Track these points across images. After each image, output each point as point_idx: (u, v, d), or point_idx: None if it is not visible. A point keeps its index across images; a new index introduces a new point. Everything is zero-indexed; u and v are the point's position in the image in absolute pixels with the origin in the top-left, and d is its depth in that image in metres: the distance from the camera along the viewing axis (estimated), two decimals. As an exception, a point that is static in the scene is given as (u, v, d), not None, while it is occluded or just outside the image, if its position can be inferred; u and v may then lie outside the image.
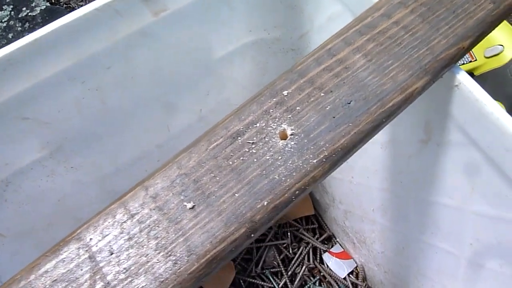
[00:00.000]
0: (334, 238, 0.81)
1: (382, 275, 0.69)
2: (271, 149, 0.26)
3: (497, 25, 0.32)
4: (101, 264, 0.24)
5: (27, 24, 1.09)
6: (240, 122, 0.27)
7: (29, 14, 1.10)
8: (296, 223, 0.81)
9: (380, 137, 0.46)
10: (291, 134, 0.26)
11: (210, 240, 0.24)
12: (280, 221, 0.80)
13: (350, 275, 0.77)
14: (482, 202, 0.37)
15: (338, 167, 0.27)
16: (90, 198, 0.57)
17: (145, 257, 0.24)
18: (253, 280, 0.75)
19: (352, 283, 0.76)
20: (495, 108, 0.30)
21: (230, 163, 0.26)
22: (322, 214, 0.82)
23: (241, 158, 0.26)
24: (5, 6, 1.11)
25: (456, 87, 0.32)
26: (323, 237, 0.81)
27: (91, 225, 0.25)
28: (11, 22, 1.09)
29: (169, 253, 0.24)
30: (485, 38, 0.71)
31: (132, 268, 0.24)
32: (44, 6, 1.11)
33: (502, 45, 0.70)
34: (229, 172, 0.26)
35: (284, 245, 0.79)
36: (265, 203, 0.25)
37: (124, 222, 0.25)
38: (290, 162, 0.26)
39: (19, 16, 1.10)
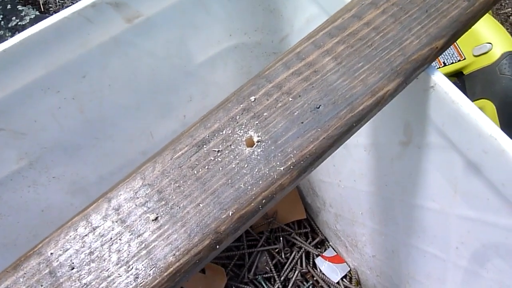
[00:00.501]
0: (326, 242, 0.80)
1: (375, 279, 0.68)
2: (237, 157, 0.25)
3: (472, 24, 0.31)
4: (61, 280, 0.23)
5: (16, 34, 1.09)
6: (206, 129, 0.26)
7: (19, 23, 1.10)
8: (288, 228, 0.80)
9: (363, 140, 0.45)
10: (258, 141, 0.26)
11: (173, 253, 0.23)
12: (272, 226, 0.79)
13: (344, 279, 0.76)
14: (464, 205, 0.36)
15: (307, 174, 0.26)
16: (75, 207, 0.56)
17: (106, 271, 0.23)
18: (246, 286, 0.74)
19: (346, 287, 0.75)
20: (471, 109, 0.29)
21: (195, 172, 0.25)
22: (314, 218, 0.81)
23: (206, 167, 0.25)
24: (-6, 16, 1.11)
25: (432, 88, 0.31)
26: (315, 241, 0.80)
27: (52, 239, 0.24)
28: (1, 32, 1.09)
29: (131, 267, 0.23)
30: (474, 36, 0.71)
31: (93, 283, 0.23)
32: (34, 15, 1.11)
33: (490, 43, 0.70)
34: (193, 181, 0.25)
35: (277, 250, 0.78)
36: (230, 213, 0.24)
37: (86, 235, 0.24)
38: (256, 170, 0.25)
39: (9, 25, 1.10)
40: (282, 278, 0.75)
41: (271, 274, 0.76)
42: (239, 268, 0.77)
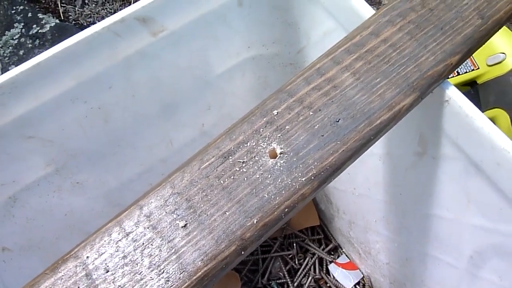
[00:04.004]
0: (340, 249, 0.81)
1: (388, 286, 0.69)
2: (261, 168, 0.27)
3: (485, 41, 0.32)
4: (97, 282, 0.25)
5: (37, 41, 1.12)
6: (231, 141, 0.28)
7: (39, 31, 1.13)
8: (302, 234, 0.81)
9: (377, 150, 0.46)
10: (281, 153, 0.27)
11: (201, 258, 0.25)
12: (286, 232, 0.80)
13: (357, 286, 0.76)
14: (478, 215, 0.37)
15: (327, 184, 0.27)
16: (97, 212, 0.58)
17: (139, 274, 0.25)
18: (259, 292, 0.75)
19: (359, 294, 0.75)
20: (485, 123, 0.30)
21: (221, 182, 0.27)
22: (327, 224, 0.82)
23: (232, 177, 0.27)
24: (16, 24, 1.14)
25: (446, 102, 0.32)
26: (329, 247, 0.81)
27: (88, 244, 0.26)
28: (22, 39, 1.12)
29: (162, 271, 0.25)
30: (487, 46, 0.72)
31: (127, 285, 0.25)
32: (54, 23, 1.14)
33: (504, 53, 0.70)
34: (220, 191, 0.26)
35: (290, 256, 0.79)
36: (255, 221, 0.25)
37: (119, 240, 0.26)
38: (279, 180, 0.26)
39: (30, 33, 1.13)
40: (295, 284, 0.76)
41: (284, 280, 0.77)
42: (253, 273, 0.78)
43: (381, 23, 0.32)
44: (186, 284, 0.24)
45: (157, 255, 0.25)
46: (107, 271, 0.25)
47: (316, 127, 0.28)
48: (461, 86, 0.75)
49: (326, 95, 0.29)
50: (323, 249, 0.80)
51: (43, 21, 1.14)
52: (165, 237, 0.25)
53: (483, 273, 0.41)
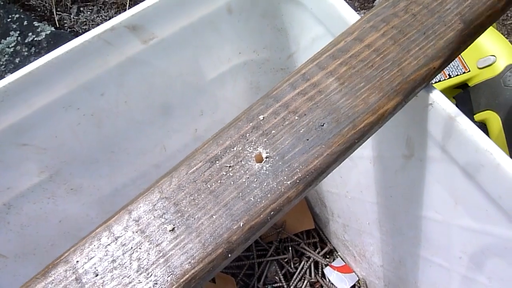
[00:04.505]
0: (335, 252, 0.81)
1: (383, 289, 0.69)
2: (247, 172, 0.27)
3: (468, 45, 0.33)
4: (86, 286, 0.25)
5: (33, 49, 1.13)
6: (218, 146, 0.28)
7: (35, 39, 1.14)
8: (297, 238, 0.81)
9: (368, 153, 0.47)
10: (267, 157, 0.28)
11: (188, 261, 0.25)
12: (281, 236, 0.81)
13: (352, 289, 0.77)
14: (465, 216, 0.37)
15: (312, 188, 0.28)
16: (91, 217, 0.58)
17: (128, 278, 0.25)
18: (255, 296, 0.76)
19: (354, 297, 0.76)
20: (468, 125, 0.31)
21: (209, 186, 0.27)
22: (322, 228, 0.82)
23: (219, 181, 0.27)
24: (12, 32, 1.15)
25: (431, 105, 0.33)
26: (324, 251, 0.81)
27: (78, 248, 0.27)
28: (18, 47, 1.13)
29: (150, 274, 0.25)
30: (478, 49, 0.73)
31: (115, 289, 0.25)
32: (49, 31, 1.15)
33: (494, 56, 0.71)
34: (207, 195, 0.27)
35: (286, 260, 0.79)
36: (241, 224, 0.26)
37: (109, 245, 0.26)
38: (265, 184, 0.27)
39: (25, 41, 1.14)
40: (291, 288, 0.77)
41: (280, 284, 0.77)
42: (249, 277, 0.79)
43: (365, 29, 0.32)
44: (174, 287, 0.25)
45: (145, 259, 0.25)
46: (97, 275, 0.25)
47: (301, 131, 0.28)
48: (453, 89, 0.75)
49: (311, 100, 0.29)
50: (318, 253, 0.80)
51: (39, 29, 1.14)
52: (153, 241, 0.26)
53: (472, 274, 0.42)
